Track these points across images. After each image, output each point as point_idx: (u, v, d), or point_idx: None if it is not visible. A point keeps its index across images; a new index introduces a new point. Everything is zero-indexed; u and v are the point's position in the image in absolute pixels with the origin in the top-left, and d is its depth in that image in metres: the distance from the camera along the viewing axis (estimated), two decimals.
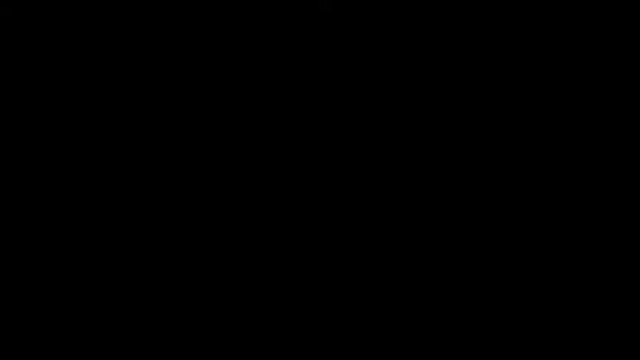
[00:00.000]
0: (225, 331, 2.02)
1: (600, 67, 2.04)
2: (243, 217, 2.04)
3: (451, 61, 2.07)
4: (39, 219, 2.04)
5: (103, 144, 2.06)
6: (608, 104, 2.03)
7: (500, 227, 2.03)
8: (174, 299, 2.04)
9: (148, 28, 2.08)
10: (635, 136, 2.01)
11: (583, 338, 1.98)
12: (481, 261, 2.03)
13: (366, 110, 2.06)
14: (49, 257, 2.04)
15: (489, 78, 2.06)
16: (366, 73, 2.07)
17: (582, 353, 1.98)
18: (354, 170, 2.04)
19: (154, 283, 2.04)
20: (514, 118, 2.05)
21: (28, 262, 2.03)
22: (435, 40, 2.07)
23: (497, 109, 2.05)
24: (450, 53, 2.07)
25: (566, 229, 2.01)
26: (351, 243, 2.04)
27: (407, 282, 2.03)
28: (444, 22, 2.06)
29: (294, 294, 2.04)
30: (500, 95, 2.05)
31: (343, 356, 2.00)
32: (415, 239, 2.04)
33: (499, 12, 2.06)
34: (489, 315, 2.01)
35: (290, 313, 2.03)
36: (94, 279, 2.03)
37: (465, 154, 2.04)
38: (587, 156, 2.01)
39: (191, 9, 2.08)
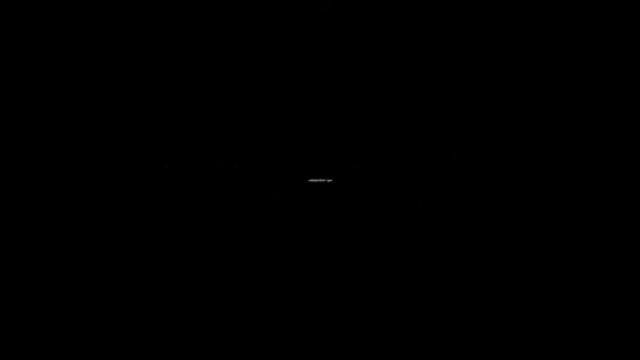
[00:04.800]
0: (224, 330, 2.03)
1: (600, 67, 2.04)
2: (242, 215, 2.05)
3: (450, 61, 2.07)
4: (38, 218, 2.05)
5: (102, 143, 2.07)
6: (608, 104, 2.04)
7: (498, 225, 2.03)
8: (174, 298, 2.05)
9: (148, 28, 2.08)
10: (634, 135, 2.01)
11: (583, 338, 1.99)
12: (480, 260, 2.04)
13: (365, 110, 2.07)
14: (49, 256, 2.04)
15: (489, 79, 2.06)
16: (366, 73, 2.08)
17: (582, 353, 1.99)
18: (352, 169, 2.05)
19: (153, 283, 2.05)
20: (513, 117, 2.05)
21: (28, 262, 2.04)
22: (434, 40, 2.07)
23: (496, 112, 2.06)
24: (449, 53, 2.07)
25: (565, 228, 2.02)
26: (350, 241, 2.05)
27: (405, 281, 2.04)
28: (443, 22, 2.07)
29: (292, 293, 2.05)
30: (499, 98, 2.06)
31: (342, 356, 2.01)
32: (413, 237, 2.04)
33: (499, 13, 2.06)
34: (488, 313, 2.02)
35: (289, 313, 2.03)
36: (93, 278, 2.04)
37: (464, 153, 2.05)
38: (587, 155, 2.02)
39: (191, 9, 2.09)
